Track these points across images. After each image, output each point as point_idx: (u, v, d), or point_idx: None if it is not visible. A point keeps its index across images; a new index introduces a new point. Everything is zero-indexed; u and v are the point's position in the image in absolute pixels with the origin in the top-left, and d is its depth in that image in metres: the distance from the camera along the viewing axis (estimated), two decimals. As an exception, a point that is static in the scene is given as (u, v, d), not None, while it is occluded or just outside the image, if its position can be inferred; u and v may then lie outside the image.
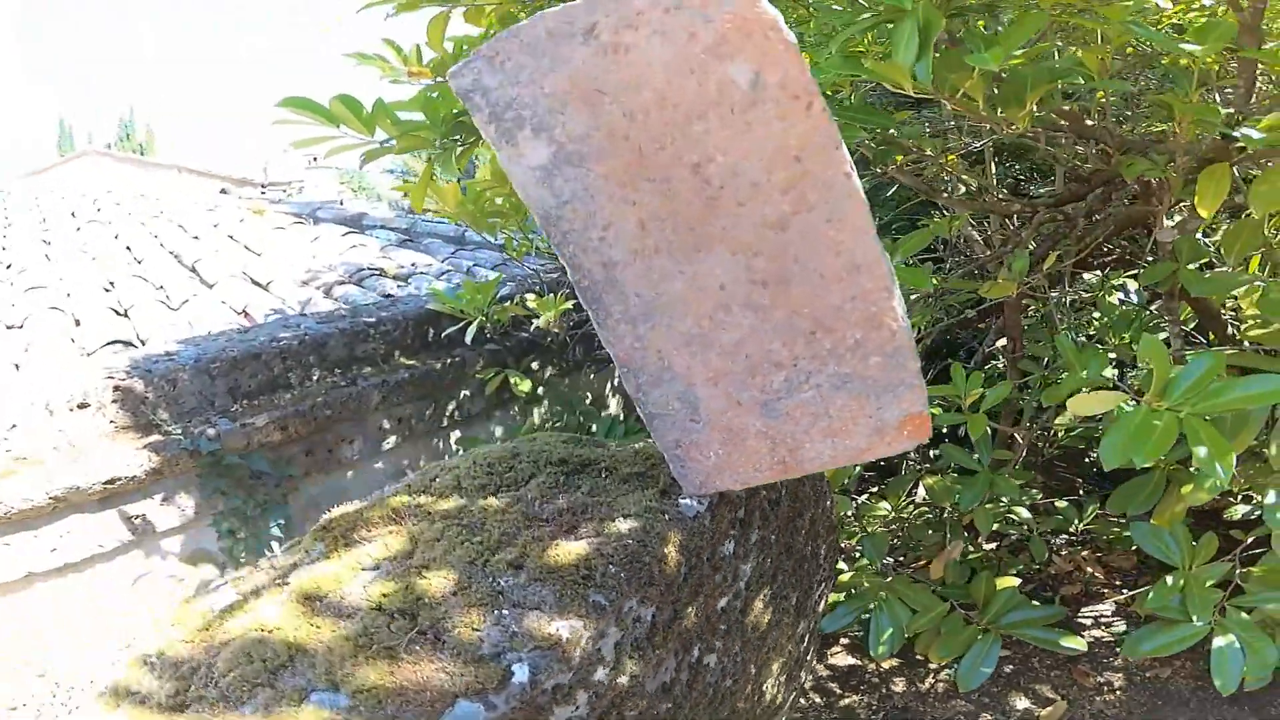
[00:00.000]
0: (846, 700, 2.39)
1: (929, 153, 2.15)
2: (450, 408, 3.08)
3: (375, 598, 0.90)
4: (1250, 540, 1.94)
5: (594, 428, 3.37)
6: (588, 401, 3.51)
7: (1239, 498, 2.27)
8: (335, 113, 1.80)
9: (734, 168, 0.83)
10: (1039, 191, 3.28)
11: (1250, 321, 1.97)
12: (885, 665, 2.52)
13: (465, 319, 2.83)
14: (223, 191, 7.37)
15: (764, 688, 1.55)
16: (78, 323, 3.30)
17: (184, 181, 9.29)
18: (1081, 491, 3.00)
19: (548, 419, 3.33)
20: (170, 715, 0.76)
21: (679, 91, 0.81)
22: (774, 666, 1.58)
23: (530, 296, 2.93)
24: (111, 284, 3.68)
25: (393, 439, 2.89)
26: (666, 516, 1.01)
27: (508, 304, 2.87)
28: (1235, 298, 2.02)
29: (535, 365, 3.31)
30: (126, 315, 3.39)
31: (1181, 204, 2.00)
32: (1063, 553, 3.07)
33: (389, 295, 3.72)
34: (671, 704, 1.02)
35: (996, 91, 1.49)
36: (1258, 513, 2.23)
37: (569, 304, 2.76)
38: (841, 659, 2.57)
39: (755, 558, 1.19)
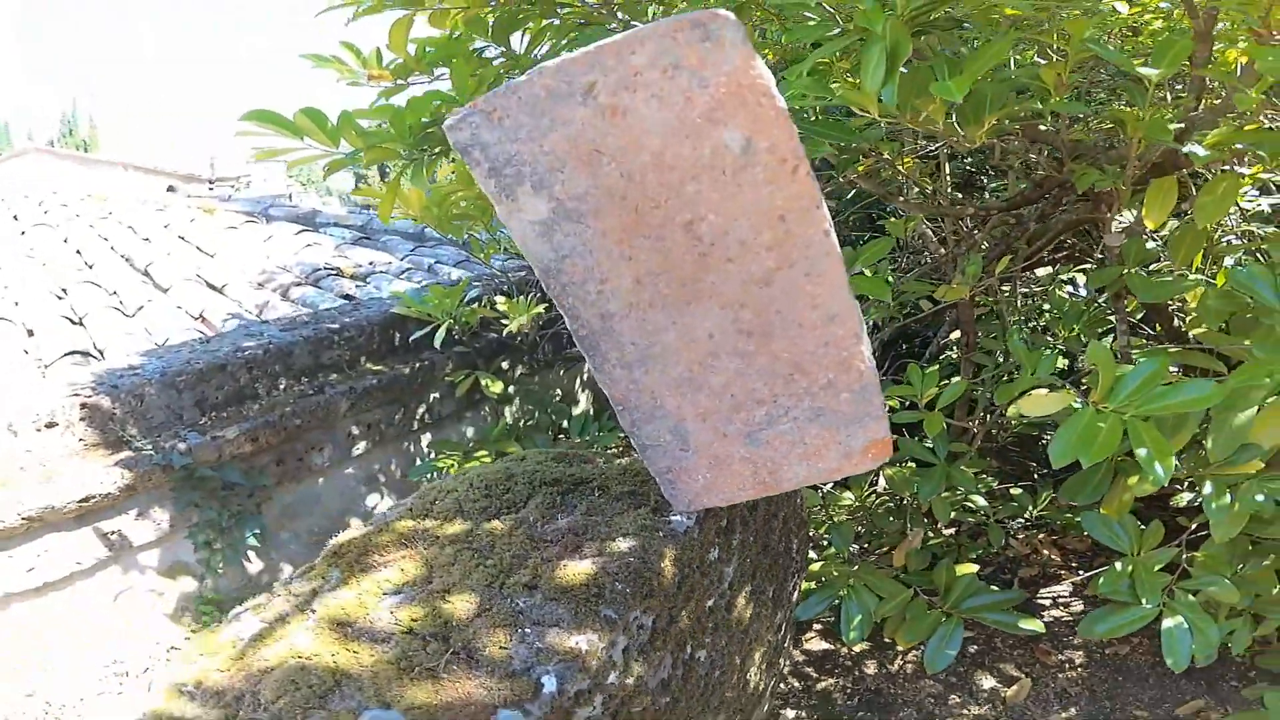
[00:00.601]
0: (823, 684, 2.55)
1: (886, 155, 2.31)
2: (420, 411, 3.16)
3: (405, 622, 1.00)
4: (1195, 526, 2.15)
5: (566, 424, 3.50)
6: (558, 399, 3.62)
7: (1185, 484, 2.51)
8: (300, 125, 1.87)
9: (724, 227, 0.91)
10: (993, 191, 3.48)
11: (1194, 317, 2.17)
12: (857, 649, 2.70)
13: (432, 322, 2.92)
14: (170, 189, 7.23)
15: (748, 676, 1.71)
16: (30, 333, 3.29)
17: (129, 179, 9.06)
18: (1035, 477, 3.23)
19: (519, 418, 3.44)
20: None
21: (675, 154, 0.88)
22: (756, 656, 1.73)
23: (500, 299, 3.03)
24: (64, 291, 3.66)
25: (362, 445, 2.97)
26: (660, 533, 1.13)
27: (475, 306, 2.97)
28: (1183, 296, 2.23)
29: (505, 365, 3.41)
30: (81, 324, 3.39)
31: (1129, 210, 2.19)
32: (1019, 536, 3.30)
33: (348, 296, 3.77)
34: (669, 698, 1.16)
35: (954, 112, 1.65)
36: (1201, 500, 2.47)
37: (540, 307, 2.87)
38: (815, 644, 2.75)
39: (736, 559, 1.33)
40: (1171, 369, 2.03)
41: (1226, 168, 1.99)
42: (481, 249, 3.06)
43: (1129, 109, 1.74)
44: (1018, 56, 1.97)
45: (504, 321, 3.18)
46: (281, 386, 2.75)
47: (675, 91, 0.86)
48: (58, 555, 2.29)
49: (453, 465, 2.85)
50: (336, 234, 4.82)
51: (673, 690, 1.17)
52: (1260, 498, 1.86)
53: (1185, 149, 1.75)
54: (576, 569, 1.05)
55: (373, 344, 3.05)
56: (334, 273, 4.03)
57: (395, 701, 0.84)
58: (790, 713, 2.44)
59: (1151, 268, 2.30)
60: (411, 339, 3.00)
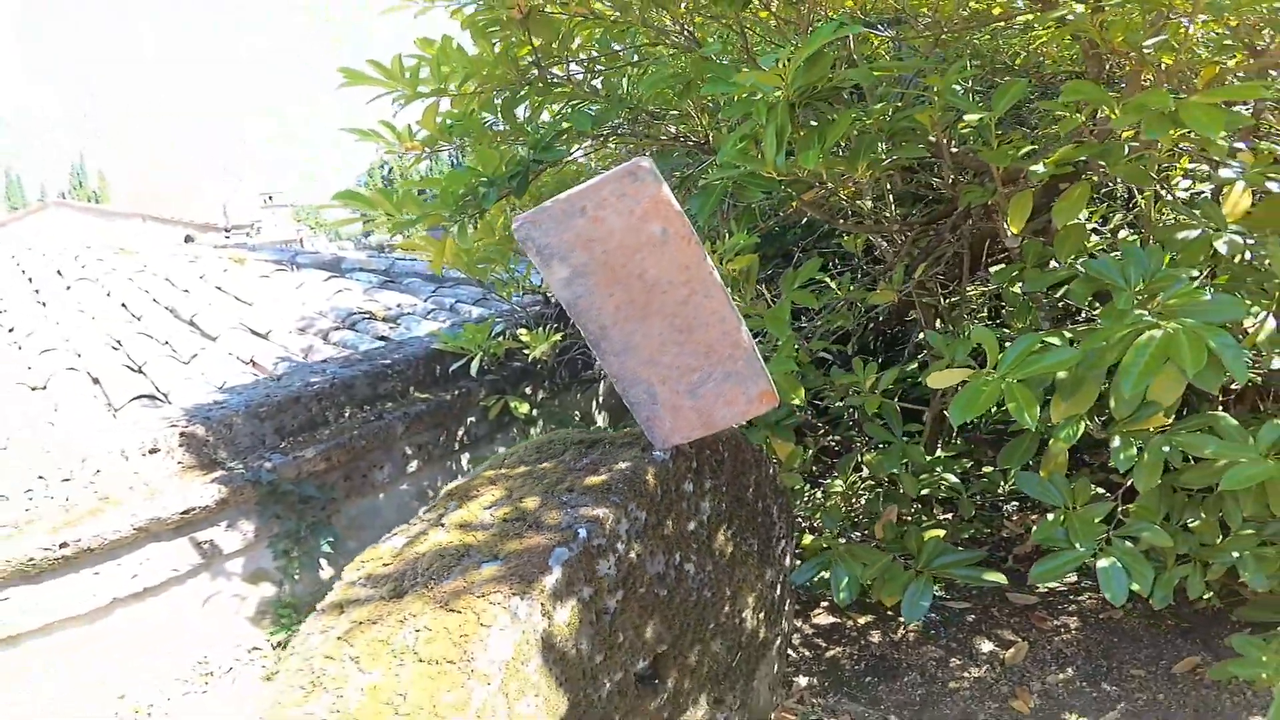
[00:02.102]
0: (831, 652, 3.04)
1: (829, 185, 2.95)
2: (460, 433, 3.87)
3: (499, 517, 1.66)
4: (1129, 483, 2.74)
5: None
6: (577, 418, 4.32)
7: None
8: (374, 200, 2.64)
9: (659, 275, 1.63)
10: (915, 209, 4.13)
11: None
12: (861, 621, 3.18)
13: (466, 355, 3.64)
14: (187, 238, 8.14)
15: (743, 614, 2.32)
16: (95, 380, 4.03)
17: (147, 229, 10.06)
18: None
19: (546, 429, 4.15)
20: (395, 600, 1.51)
21: (629, 239, 1.59)
22: (749, 599, 2.33)
23: (522, 331, 3.75)
24: (118, 342, 4.42)
25: (415, 463, 3.67)
26: (646, 460, 1.77)
27: (500, 339, 3.69)
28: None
29: (529, 390, 4.11)
30: (142, 371, 4.13)
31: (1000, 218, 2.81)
32: (1013, 518, 3.90)
33: (383, 338, 4.52)
34: (665, 590, 1.81)
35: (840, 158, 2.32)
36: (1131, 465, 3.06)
37: (557, 335, 3.58)
38: (823, 619, 3.27)
39: (710, 499, 1.98)
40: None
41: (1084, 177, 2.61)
42: (504, 287, 3.78)
43: (985, 148, 2.40)
44: (898, 104, 2.63)
45: (526, 351, 3.90)
46: (346, 414, 3.46)
47: (625, 208, 1.59)
48: (158, 563, 2.87)
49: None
50: (363, 279, 5.59)
51: (668, 585, 1.83)
52: (1166, 449, 2.45)
53: (1031, 168, 2.42)
54: (595, 479, 1.72)
55: (418, 375, 3.76)
56: (367, 316, 4.78)
57: (498, 554, 1.52)
58: (802, 680, 2.91)
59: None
60: (451, 369, 3.71)
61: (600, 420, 4.53)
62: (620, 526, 1.61)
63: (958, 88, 2.36)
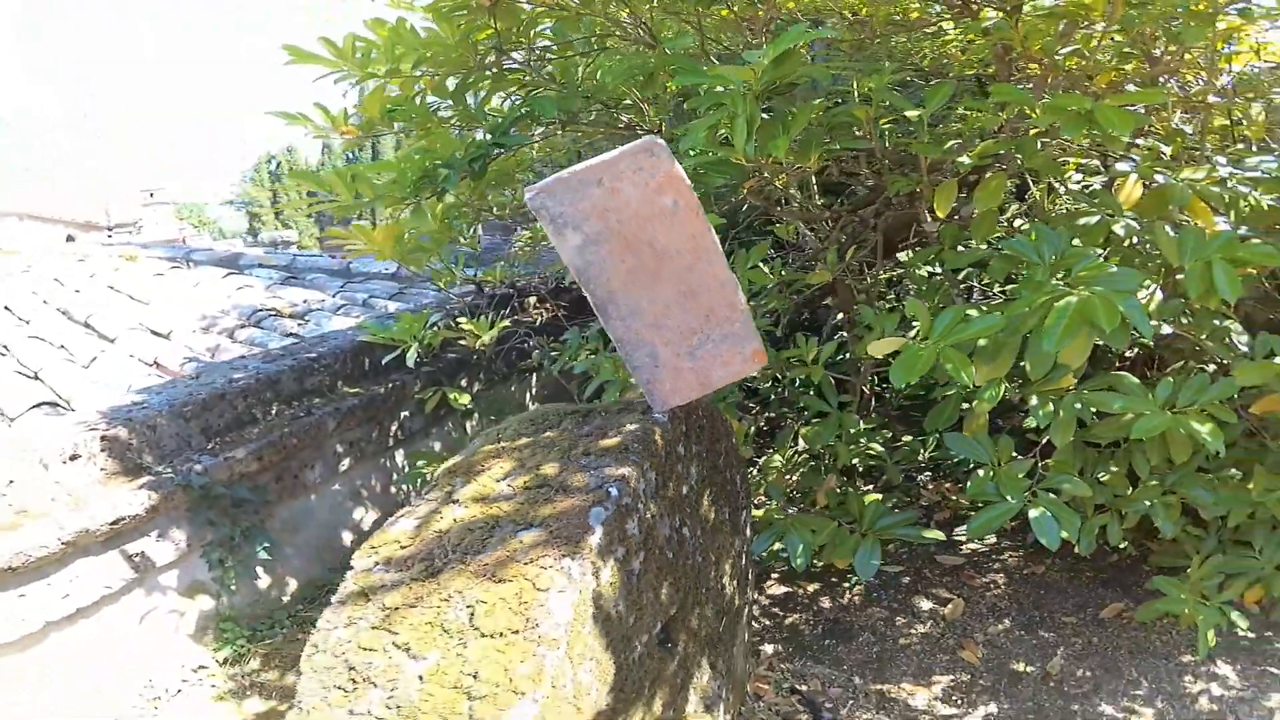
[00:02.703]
0: (789, 620, 3.22)
1: (767, 175, 3.14)
2: (393, 428, 3.81)
3: (520, 486, 1.69)
4: (1045, 441, 3.05)
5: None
6: (504, 410, 4.33)
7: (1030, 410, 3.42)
8: (329, 181, 2.61)
9: (667, 244, 1.74)
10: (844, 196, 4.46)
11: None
12: (811, 588, 3.38)
13: (397, 346, 3.60)
14: (69, 238, 7.54)
15: (724, 582, 2.43)
16: (-14, 389, 3.74)
17: (26, 229, 9.19)
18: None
19: (480, 429, 4.13)
20: (431, 579, 1.46)
21: (643, 209, 1.69)
22: (726, 565, 2.45)
23: (463, 320, 3.75)
24: (5, 347, 4.10)
25: (347, 461, 3.59)
26: (651, 422, 1.87)
27: (436, 329, 3.67)
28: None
29: (465, 382, 4.11)
30: (38, 378, 3.87)
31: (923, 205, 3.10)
32: (929, 486, 4.22)
33: (293, 335, 4.39)
34: (672, 553, 1.91)
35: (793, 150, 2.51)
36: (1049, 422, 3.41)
37: (505, 323, 3.60)
38: (776, 589, 3.42)
39: (696, 464, 2.09)
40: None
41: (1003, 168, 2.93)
42: (440, 276, 3.76)
43: (916, 141, 2.66)
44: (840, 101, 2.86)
45: (462, 341, 3.89)
46: (274, 411, 3.36)
47: (640, 180, 1.69)
48: (89, 580, 2.71)
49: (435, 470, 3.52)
50: (263, 275, 5.38)
51: (673, 548, 1.92)
52: (1078, 406, 2.76)
53: (958, 160, 2.70)
54: (609, 442, 1.78)
55: (347, 369, 3.68)
56: (272, 313, 4.61)
57: (534, 520, 1.58)
58: (769, 647, 3.06)
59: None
60: (383, 362, 3.66)
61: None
62: (640, 486, 1.70)
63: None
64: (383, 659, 1.37)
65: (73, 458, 2.88)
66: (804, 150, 2.49)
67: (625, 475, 1.68)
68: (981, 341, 2.49)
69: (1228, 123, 3.28)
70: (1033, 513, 2.64)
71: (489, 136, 2.66)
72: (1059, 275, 2.44)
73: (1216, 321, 2.87)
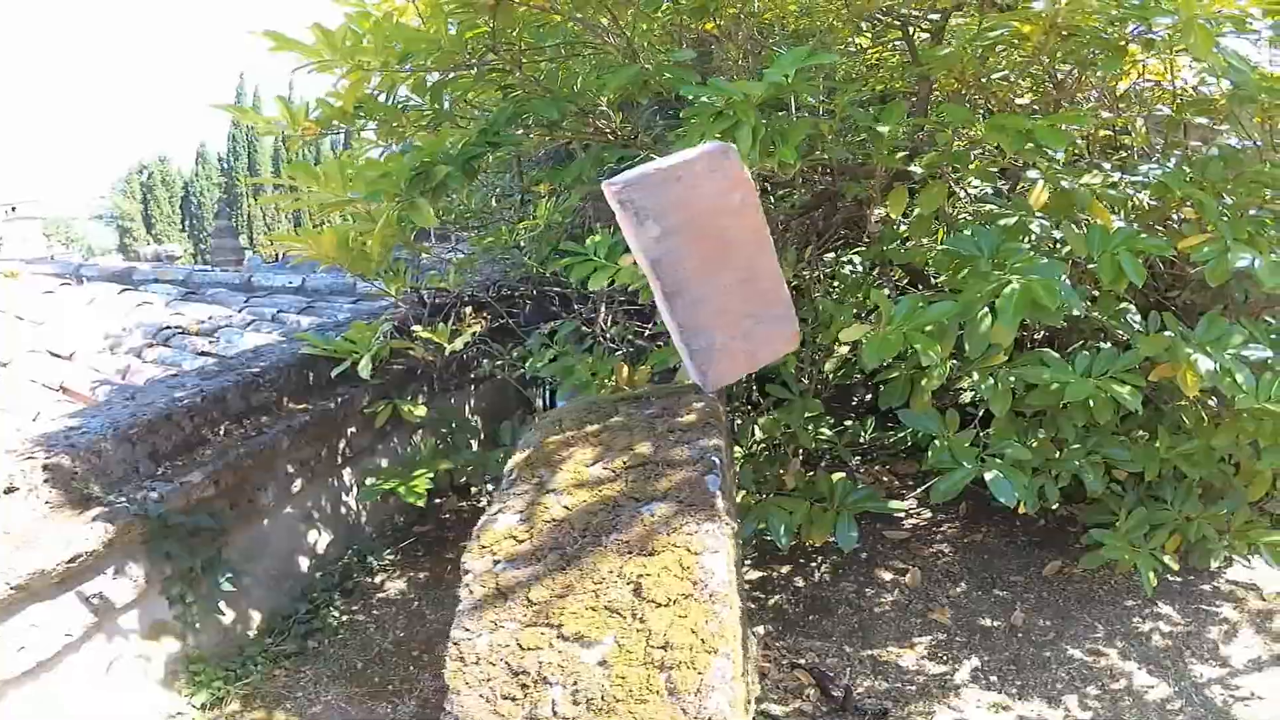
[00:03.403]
0: (772, 600, 3.40)
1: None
2: (341, 446, 3.67)
3: (619, 466, 1.76)
4: (981, 413, 3.39)
5: (473, 443, 4.17)
6: (454, 425, 4.25)
7: (966, 387, 3.80)
8: (323, 175, 2.56)
9: (734, 236, 1.92)
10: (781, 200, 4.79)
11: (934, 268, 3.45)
12: (783, 570, 3.58)
13: (342, 358, 3.48)
14: None
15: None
16: None
17: None
18: (859, 416, 4.47)
19: (428, 439, 4.05)
20: (573, 566, 1.46)
21: (716, 204, 1.87)
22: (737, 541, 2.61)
23: (417, 328, 3.67)
24: None
25: (299, 482, 3.42)
26: (712, 397, 2.03)
27: (384, 339, 3.58)
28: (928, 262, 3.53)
29: (412, 394, 4.01)
30: (-81, 411, 3.44)
31: (880, 208, 3.44)
32: (862, 470, 4.53)
33: (206, 353, 4.15)
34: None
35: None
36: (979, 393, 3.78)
37: (477, 327, 3.57)
38: (752, 574, 3.60)
39: (725, 436, 2.26)
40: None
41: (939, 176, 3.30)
42: (394, 281, 3.67)
43: (877, 151, 2.96)
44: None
45: (410, 351, 3.82)
46: (223, 431, 3.17)
47: (715, 179, 1.87)
48: (47, 629, 2.47)
49: (398, 486, 3.44)
50: (161, 291, 4.99)
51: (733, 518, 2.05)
52: (1012, 379, 3.11)
53: (911, 168, 3.03)
54: (688, 418, 1.93)
55: (291, 384, 3.51)
56: (179, 331, 4.32)
57: (653, 498, 1.64)
58: (760, 628, 3.21)
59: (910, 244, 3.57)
60: (331, 375, 3.52)
61: (476, 422, 4.51)
62: (725, 455, 1.82)
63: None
64: (552, 654, 1.37)
65: (9, 490, 2.62)
66: (791, 158, 2.69)
67: (719, 445, 1.78)
68: (928, 327, 2.73)
69: (1109, 132, 3.78)
70: (988, 475, 2.97)
71: (481, 136, 2.67)
72: (997, 267, 2.79)
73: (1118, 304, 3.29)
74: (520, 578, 1.54)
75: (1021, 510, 3.21)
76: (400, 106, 3.04)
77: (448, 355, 3.72)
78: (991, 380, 3.14)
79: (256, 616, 3.13)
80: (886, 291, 3.58)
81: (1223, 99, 3.30)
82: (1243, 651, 2.91)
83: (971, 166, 3.24)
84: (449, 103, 3.01)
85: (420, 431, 4.09)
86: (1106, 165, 3.52)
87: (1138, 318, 3.35)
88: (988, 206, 3.63)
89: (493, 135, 2.68)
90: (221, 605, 2.96)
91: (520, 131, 2.98)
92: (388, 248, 3.57)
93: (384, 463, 3.86)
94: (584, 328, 3.69)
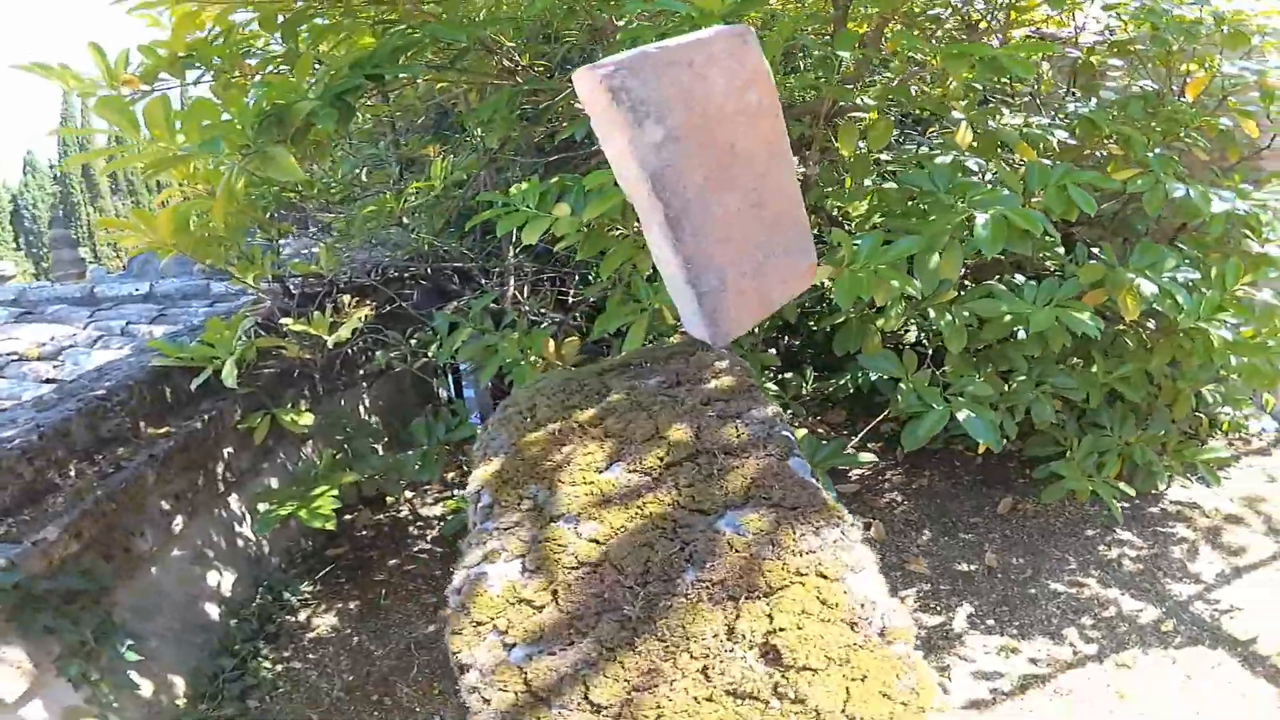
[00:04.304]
0: None
1: None
2: (220, 470, 2.98)
3: (652, 465, 1.31)
4: (931, 352, 3.15)
5: (376, 448, 3.54)
6: (350, 430, 3.59)
7: (914, 328, 3.56)
8: (148, 118, 1.92)
9: (745, 147, 1.53)
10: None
11: (879, 205, 3.22)
12: None
13: (201, 366, 2.79)
14: None
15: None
16: None
17: None
18: (797, 366, 4.18)
19: (324, 449, 3.38)
20: (648, 631, 1.03)
21: (729, 104, 1.47)
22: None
23: (288, 321, 3.00)
24: None
25: (178, 520, 2.75)
26: (735, 356, 1.67)
27: (247, 338, 2.91)
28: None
29: (293, 400, 3.32)
30: None
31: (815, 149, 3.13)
32: (796, 422, 4.23)
33: (50, 380, 3.32)
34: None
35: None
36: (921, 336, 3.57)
37: (366, 310, 2.93)
38: None
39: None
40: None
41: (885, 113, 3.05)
42: (249, 269, 2.97)
43: (823, 79, 2.65)
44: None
45: (282, 350, 3.14)
46: (73, 471, 2.45)
47: (730, 69, 1.47)
48: None
49: (298, 509, 2.80)
50: (-9, 312, 4.03)
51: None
52: (966, 313, 2.89)
53: (859, 100, 2.78)
54: (717, 384, 1.54)
55: (146, 405, 2.81)
56: (15, 358, 3.48)
57: (725, 504, 1.18)
58: None
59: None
60: (194, 386, 2.82)
61: (375, 424, 3.85)
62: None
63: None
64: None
65: None
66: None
67: (778, 414, 1.42)
68: (882, 266, 2.52)
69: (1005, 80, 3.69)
70: (961, 415, 2.78)
71: (352, 71, 2.08)
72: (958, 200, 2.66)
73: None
74: (562, 667, 1.06)
75: (983, 449, 3.02)
76: (244, 51, 2.37)
77: (330, 351, 3.10)
78: (948, 317, 2.98)
79: (178, 682, 2.62)
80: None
81: (1135, 44, 3.31)
82: (1208, 568, 2.86)
83: (930, 101, 3.08)
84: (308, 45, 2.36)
85: (311, 442, 3.43)
86: (1006, 110, 3.43)
87: (1061, 250, 3.22)
88: (916, 149, 3.45)
89: (372, 68, 2.08)
90: (133, 676, 2.43)
91: (405, 74, 2.38)
92: (239, 227, 2.91)
93: (274, 483, 3.21)
94: (494, 304, 3.13)
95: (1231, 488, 3.34)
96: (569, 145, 3.01)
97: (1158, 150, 2.98)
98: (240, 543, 3.08)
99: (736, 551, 1.12)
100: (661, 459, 1.35)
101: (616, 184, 2.42)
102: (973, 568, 2.99)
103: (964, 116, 3.13)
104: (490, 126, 2.62)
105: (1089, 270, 2.92)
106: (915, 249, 2.53)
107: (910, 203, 3.04)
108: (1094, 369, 3.23)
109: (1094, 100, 3.22)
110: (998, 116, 3.19)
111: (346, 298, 3.43)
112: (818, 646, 0.98)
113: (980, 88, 3.59)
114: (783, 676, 0.96)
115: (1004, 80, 3.46)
